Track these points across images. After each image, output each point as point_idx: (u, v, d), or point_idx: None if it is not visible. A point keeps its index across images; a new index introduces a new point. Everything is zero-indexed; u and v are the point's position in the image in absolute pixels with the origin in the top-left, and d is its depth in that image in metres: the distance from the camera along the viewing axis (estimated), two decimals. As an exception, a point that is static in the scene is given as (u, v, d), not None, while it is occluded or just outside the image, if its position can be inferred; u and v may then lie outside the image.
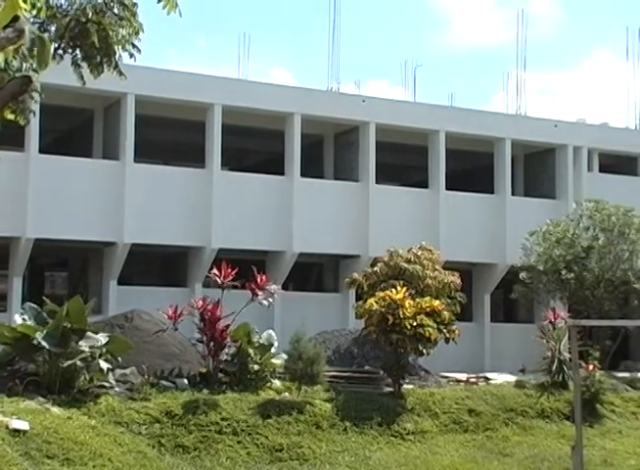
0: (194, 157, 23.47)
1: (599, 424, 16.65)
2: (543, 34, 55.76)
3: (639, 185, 27.11)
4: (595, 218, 22.65)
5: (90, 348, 13.64)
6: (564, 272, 21.87)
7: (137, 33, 10.84)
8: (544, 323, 19.12)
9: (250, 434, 13.43)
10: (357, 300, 19.65)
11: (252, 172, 23.84)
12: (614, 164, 27.54)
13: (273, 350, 15.59)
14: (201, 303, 15.16)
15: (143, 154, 22.01)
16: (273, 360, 15.48)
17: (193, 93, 21.93)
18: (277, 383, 15.34)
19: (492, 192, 25.69)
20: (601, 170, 26.96)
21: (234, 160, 26.01)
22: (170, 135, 25.15)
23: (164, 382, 14.59)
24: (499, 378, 19.27)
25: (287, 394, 14.97)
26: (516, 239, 23.63)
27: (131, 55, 10.99)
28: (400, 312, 15.80)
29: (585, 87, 57.46)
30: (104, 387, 13.77)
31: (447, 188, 24.74)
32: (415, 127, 24.58)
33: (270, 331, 16.21)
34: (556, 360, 17.80)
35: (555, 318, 18.82)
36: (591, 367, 17.42)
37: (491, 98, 62.69)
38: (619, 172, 27.46)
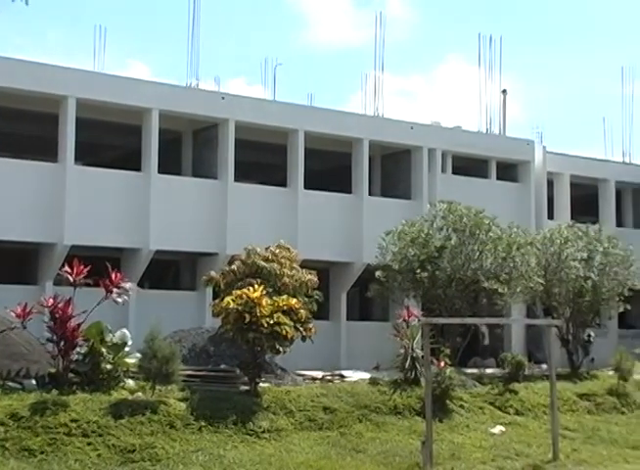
0: (46, 151, 22.70)
1: (448, 419, 17.11)
2: (401, 37, 57.18)
3: (490, 187, 28.10)
4: (448, 219, 23.23)
5: None
6: (418, 271, 22.34)
7: (-17, 19, 10.34)
8: (398, 321, 19.48)
9: (100, 435, 13.11)
10: (214, 298, 19.50)
11: (108, 168, 23.29)
12: (466, 166, 28.42)
13: (127, 348, 15.32)
14: (51, 301, 14.78)
15: (-9, 146, 21.16)
16: (126, 360, 15.20)
17: (45, 84, 21.18)
18: (130, 382, 15.06)
19: (350, 192, 26.03)
20: (454, 172, 27.77)
21: (89, 154, 25.32)
22: (21, 128, 24.25)
23: (10, 383, 14.10)
24: (354, 375, 19.55)
25: (140, 393, 14.71)
26: (372, 238, 24.00)
27: (-24, 41, 10.48)
28: (257, 311, 15.79)
29: (440, 90, 59.19)
30: (-56, 389, 13.16)
31: (306, 187, 24.89)
32: (274, 126, 24.61)
33: (124, 330, 15.88)
34: (409, 357, 18.21)
35: (409, 316, 19.21)
36: (442, 364, 17.88)
37: (350, 98, 63.72)
38: (471, 174, 28.37)
